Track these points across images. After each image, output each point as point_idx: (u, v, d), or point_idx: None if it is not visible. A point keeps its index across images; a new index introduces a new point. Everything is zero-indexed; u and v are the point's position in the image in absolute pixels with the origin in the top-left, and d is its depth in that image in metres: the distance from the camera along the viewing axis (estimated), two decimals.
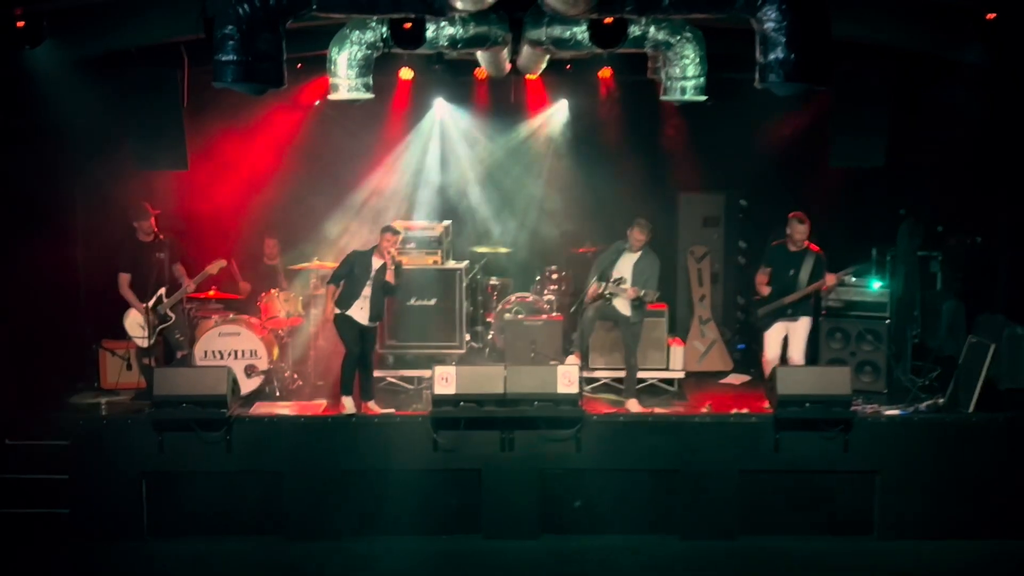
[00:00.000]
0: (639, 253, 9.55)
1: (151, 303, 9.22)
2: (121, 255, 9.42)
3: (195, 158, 10.27)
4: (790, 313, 9.53)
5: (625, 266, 9.55)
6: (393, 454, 8.76)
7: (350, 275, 9.33)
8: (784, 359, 9.59)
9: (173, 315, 9.43)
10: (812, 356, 10.50)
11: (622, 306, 9.55)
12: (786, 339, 9.61)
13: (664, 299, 10.42)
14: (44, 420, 9.09)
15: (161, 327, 9.37)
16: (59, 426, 8.88)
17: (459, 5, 7.27)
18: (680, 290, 11.63)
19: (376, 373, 10.29)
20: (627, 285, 9.40)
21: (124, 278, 9.33)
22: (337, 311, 9.28)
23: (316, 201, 11.72)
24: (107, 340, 10.10)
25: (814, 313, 9.77)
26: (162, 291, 9.35)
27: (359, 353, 9.33)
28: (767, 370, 9.62)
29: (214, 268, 9.48)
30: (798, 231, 9.48)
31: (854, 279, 10.19)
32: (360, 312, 9.28)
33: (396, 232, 9.55)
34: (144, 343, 9.30)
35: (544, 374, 8.82)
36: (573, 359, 9.62)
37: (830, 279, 9.42)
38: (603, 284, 9.46)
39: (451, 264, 10.94)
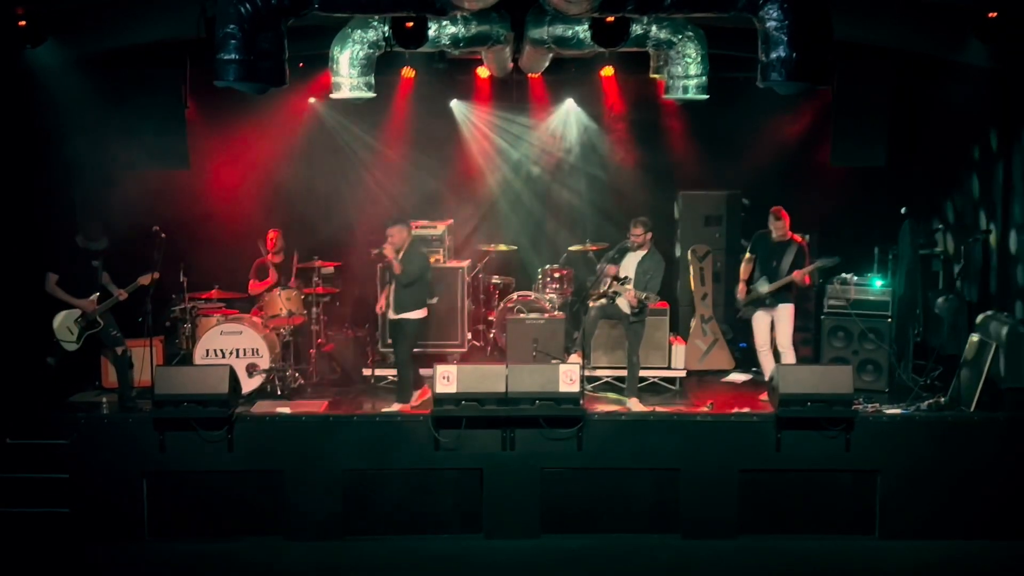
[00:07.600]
0: (644, 252, 9.56)
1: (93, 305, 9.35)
2: (56, 256, 9.44)
3: (196, 157, 10.26)
4: (768, 303, 9.78)
5: (629, 265, 9.57)
6: (394, 453, 8.74)
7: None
8: (773, 346, 9.83)
9: (102, 321, 9.45)
10: (814, 355, 10.53)
11: (625, 305, 9.55)
12: (773, 327, 9.85)
13: (666, 298, 10.43)
14: (44, 419, 9.07)
15: (89, 332, 9.41)
16: (59, 425, 8.85)
17: (462, 4, 7.27)
18: (682, 289, 11.62)
19: (378, 372, 10.33)
20: (630, 286, 9.41)
21: (53, 277, 9.36)
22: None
23: (317, 200, 11.71)
24: None
25: (795, 300, 9.91)
26: (94, 297, 9.39)
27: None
28: (761, 356, 9.93)
29: (145, 279, 9.46)
30: (776, 227, 9.76)
31: (849, 276, 10.31)
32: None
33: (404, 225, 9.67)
34: (72, 347, 9.41)
35: (546, 373, 8.79)
36: (575, 358, 9.62)
37: (796, 275, 9.59)
38: (615, 276, 9.49)
39: (453, 263, 10.94)
